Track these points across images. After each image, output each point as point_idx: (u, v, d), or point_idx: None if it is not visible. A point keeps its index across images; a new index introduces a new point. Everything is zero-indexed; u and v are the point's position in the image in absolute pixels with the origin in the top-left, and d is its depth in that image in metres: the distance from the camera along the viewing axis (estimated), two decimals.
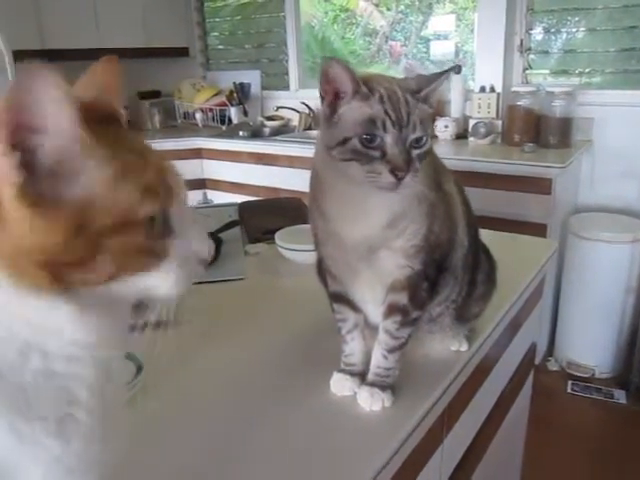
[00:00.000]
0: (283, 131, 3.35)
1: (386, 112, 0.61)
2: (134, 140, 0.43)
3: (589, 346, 2.53)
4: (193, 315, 0.54)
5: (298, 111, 3.39)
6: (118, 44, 3.32)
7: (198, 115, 3.61)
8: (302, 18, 3.59)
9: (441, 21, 3.34)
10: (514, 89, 2.70)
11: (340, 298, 0.79)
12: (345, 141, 0.62)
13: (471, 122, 2.74)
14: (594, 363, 2.51)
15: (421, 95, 0.64)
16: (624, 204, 2.58)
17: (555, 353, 2.64)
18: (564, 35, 2.80)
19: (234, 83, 3.53)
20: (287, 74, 3.61)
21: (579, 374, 2.52)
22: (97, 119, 0.40)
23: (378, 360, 0.76)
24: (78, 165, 0.37)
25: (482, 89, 2.78)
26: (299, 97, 3.45)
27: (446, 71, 0.67)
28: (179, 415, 0.74)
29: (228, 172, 3.23)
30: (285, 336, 0.94)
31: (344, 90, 0.63)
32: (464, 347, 0.86)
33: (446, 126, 2.76)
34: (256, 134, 3.29)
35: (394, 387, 0.76)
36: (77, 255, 0.37)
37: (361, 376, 0.77)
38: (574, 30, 2.77)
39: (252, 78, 3.62)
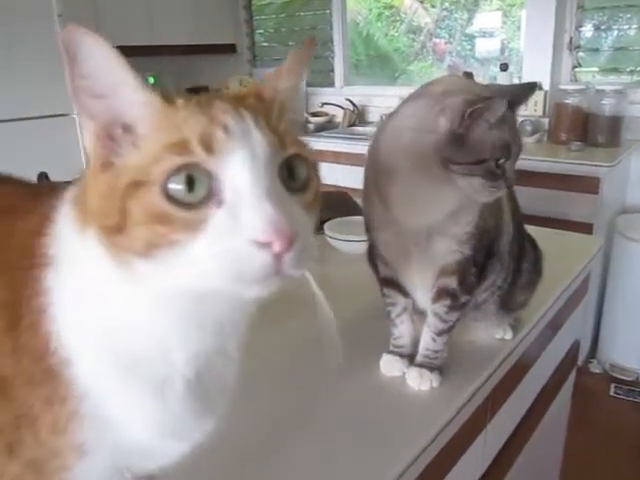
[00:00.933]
0: (328, 127, 3.39)
1: (513, 139, 0.69)
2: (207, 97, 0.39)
3: (633, 349, 2.48)
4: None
5: (343, 107, 3.42)
6: (169, 41, 3.43)
7: None
8: (348, 15, 3.62)
9: (487, 18, 3.31)
10: (562, 87, 2.67)
11: (390, 283, 0.82)
12: (481, 162, 0.67)
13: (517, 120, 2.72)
14: (638, 366, 2.47)
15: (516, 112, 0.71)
16: None
17: (598, 355, 2.60)
18: (615, 32, 2.75)
19: None
20: (332, 71, 3.65)
21: (622, 377, 2.48)
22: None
23: (427, 342, 0.79)
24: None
25: None
26: (344, 94, 3.49)
27: (532, 85, 0.73)
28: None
29: None
30: (337, 319, 0.97)
31: (485, 117, 0.67)
32: (509, 335, 0.89)
33: None
34: (301, 130, 3.34)
35: (442, 369, 0.79)
36: (113, 219, 0.35)
37: (409, 358, 0.81)
38: (626, 27, 2.72)
39: None
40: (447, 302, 0.77)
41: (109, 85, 0.37)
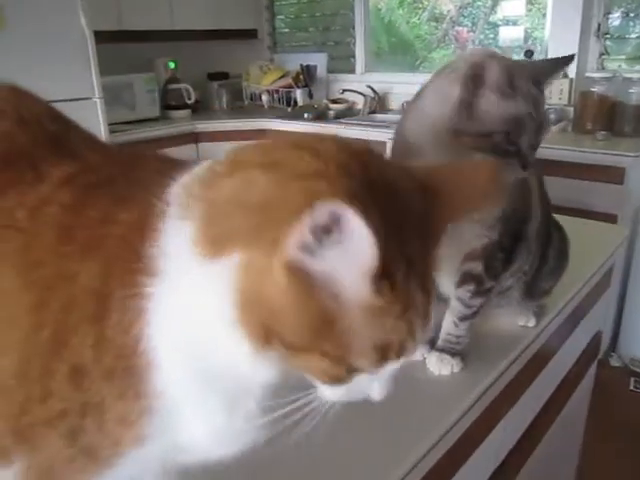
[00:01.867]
0: (348, 114, 3.36)
1: (530, 115, 0.65)
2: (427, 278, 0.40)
3: None
4: None
5: (363, 94, 3.39)
6: (190, 26, 3.43)
7: (264, 97, 3.67)
8: (370, 1, 3.58)
9: (511, 6, 3.25)
10: (588, 75, 2.61)
11: None
12: (489, 134, 0.65)
13: None
14: None
15: (543, 87, 0.67)
16: None
17: (618, 349, 2.56)
18: None
19: (301, 65, 3.57)
20: (353, 57, 3.62)
21: None
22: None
23: (449, 327, 0.78)
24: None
25: None
26: (365, 80, 3.46)
27: (568, 58, 0.70)
28: None
29: None
30: None
31: (492, 86, 0.65)
32: (532, 323, 0.87)
33: None
34: (321, 116, 3.32)
35: (463, 354, 0.78)
36: (294, 341, 0.37)
37: (430, 342, 0.80)
38: None
39: (318, 61, 3.65)
40: (471, 287, 0.75)
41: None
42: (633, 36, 2.72)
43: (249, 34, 3.85)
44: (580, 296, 1.04)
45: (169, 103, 3.49)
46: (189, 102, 3.48)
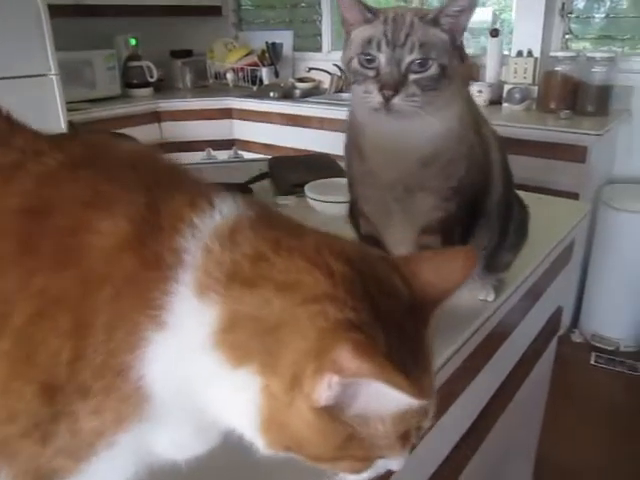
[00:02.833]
0: (314, 93, 3.32)
1: (384, 33, 0.62)
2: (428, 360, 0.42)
3: (615, 319, 2.50)
4: None
5: (330, 73, 3.35)
6: (152, 1, 3.32)
7: (229, 75, 3.60)
8: None
9: None
10: (553, 54, 2.62)
11: (371, 240, 0.79)
12: (349, 61, 0.65)
13: (506, 87, 2.68)
14: (619, 336, 2.49)
15: (430, 18, 0.64)
16: None
17: (580, 325, 2.62)
18: (607, 2, 2.70)
19: (266, 43, 3.51)
20: (320, 35, 3.57)
21: (603, 346, 2.50)
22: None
23: None
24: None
25: (519, 53, 2.71)
26: (331, 59, 3.41)
27: None
28: None
29: (258, 133, 3.23)
30: None
31: (355, 17, 0.66)
32: (491, 297, 0.86)
33: (480, 91, 2.70)
34: (287, 95, 3.27)
35: None
36: (319, 457, 0.39)
37: None
38: None
39: (284, 39, 3.59)
40: None
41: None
42: (597, 17, 2.74)
43: (213, 11, 3.75)
44: (540, 271, 1.04)
45: (130, 81, 3.39)
46: (151, 80, 3.39)
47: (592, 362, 2.43)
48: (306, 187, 1.24)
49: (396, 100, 0.62)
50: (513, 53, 2.74)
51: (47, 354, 0.36)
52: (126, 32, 3.39)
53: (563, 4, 2.68)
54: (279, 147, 3.09)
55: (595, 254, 2.52)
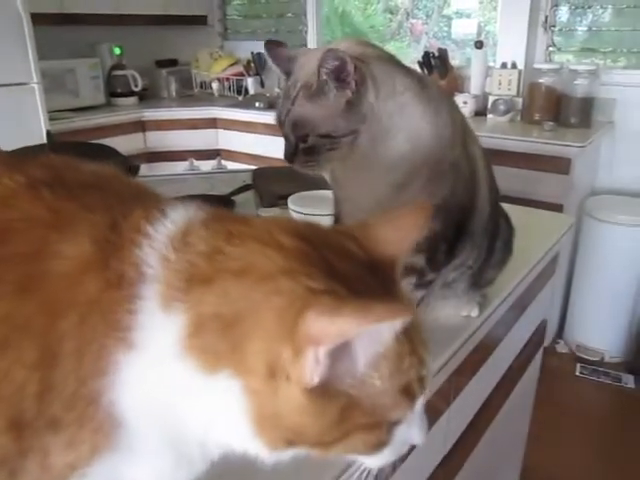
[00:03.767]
0: None
1: (279, 105, 0.68)
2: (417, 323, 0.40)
3: (599, 330, 2.51)
4: None
5: None
6: (136, 10, 3.30)
7: (214, 85, 3.59)
8: None
9: None
10: (536, 66, 2.64)
11: None
12: None
13: (491, 99, 2.69)
14: (604, 347, 2.50)
15: (314, 89, 0.64)
16: None
17: (565, 335, 2.63)
18: (590, 15, 2.73)
19: (252, 53, 3.50)
20: (306, 45, 3.57)
21: (588, 357, 2.51)
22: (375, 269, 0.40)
23: None
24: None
25: (503, 65, 2.73)
26: None
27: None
28: None
29: (243, 143, 3.21)
30: None
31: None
32: (475, 313, 0.85)
33: (465, 102, 2.71)
34: (272, 105, 3.24)
35: None
36: (324, 440, 0.37)
37: None
38: (599, 10, 2.69)
39: None
40: (413, 280, 0.73)
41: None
42: (580, 30, 2.77)
43: (199, 20, 3.75)
44: (524, 284, 1.04)
45: (115, 90, 3.36)
46: (136, 89, 3.37)
47: (577, 373, 2.44)
48: (289, 199, 1.22)
49: (296, 167, 0.67)
50: (498, 65, 2.76)
51: (13, 387, 0.35)
52: (111, 41, 3.37)
53: (546, 17, 2.71)
54: (264, 157, 3.07)
55: (579, 265, 2.53)
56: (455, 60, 3.06)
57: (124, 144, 2.58)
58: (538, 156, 2.25)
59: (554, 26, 2.75)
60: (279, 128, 0.69)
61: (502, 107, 2.64)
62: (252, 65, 3.51)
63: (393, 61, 0.68)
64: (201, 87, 3.71)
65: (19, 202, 0.39)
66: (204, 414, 0.37)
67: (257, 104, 3.22)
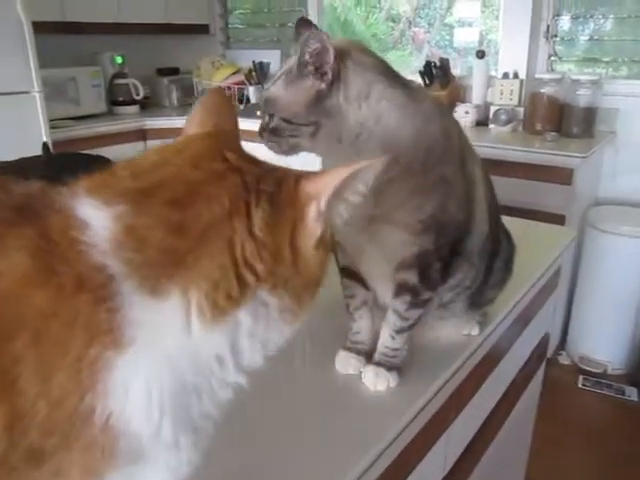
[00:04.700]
0: None
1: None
2: None
3: (602, 341, 2.49)
4: None
5: None
6: (138, 19, 3.30)
7: None
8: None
9: (466, 7, 3.26)
10: (538, 76, 2.64)
11: (350, 273, 0.76)
12: None
13: (492, 109, 2.69)
14: (607, 359, 2.47)
15: (296, 71, 0.65)
16: None
17: (567, 347, 2.60)
18: (592, 24, 2.72)
19: (253, 62, 3.49)
20: None
21: (591, 369, 2.48)
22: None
23: (385, 340, 0.73)
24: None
25: (505, 75, 2.72)
26: None
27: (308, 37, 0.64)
28: None
29: None
30: None
31: None
32: (475, 332, 0.84)
33: (466, 112, 2.71)
34: None
35: (400, 368, 0.74)
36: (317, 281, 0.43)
37: (368, 355, 0.75)
38: (601, 19, 2.69)
39: (272, 57, 3.58)
40: (407, 298, 0.71)
41: None
42: (581, 41, 2.76)
43: (201, 29, 3.75)
44: (526, 300, 1.02)
45: (116, 99, 3.36)
46: (137, 98, 3.37)
47: (579, 385, 2.41)
48: None
49: (263, 142, 0.69)
50: (499, 75, 2.75)
51: None
52: (112, 49, 3.37)
53: (548, 26, 2.70)
54: None
55: (582, 276, 2.51)
56: (457, 69, 3.05)
57: (125, 153, 2.56)
58: (540, 166, 2.24)
59: (556, 35, 2.74)
60: None
61: (504, 117, 2.63)
62: (253, 74, 3.50)
63: (382, 70, 0.67)
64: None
65: None
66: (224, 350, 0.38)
67: (258, 113, 3.20)
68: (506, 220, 0.95)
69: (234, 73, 3.58)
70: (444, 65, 2.88)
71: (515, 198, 2.11)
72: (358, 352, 0.76)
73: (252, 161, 0.43)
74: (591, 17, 2.70)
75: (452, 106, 2.76)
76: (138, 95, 3.35)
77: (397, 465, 0.67)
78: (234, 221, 0.37)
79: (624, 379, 2.44)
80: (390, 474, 0.66)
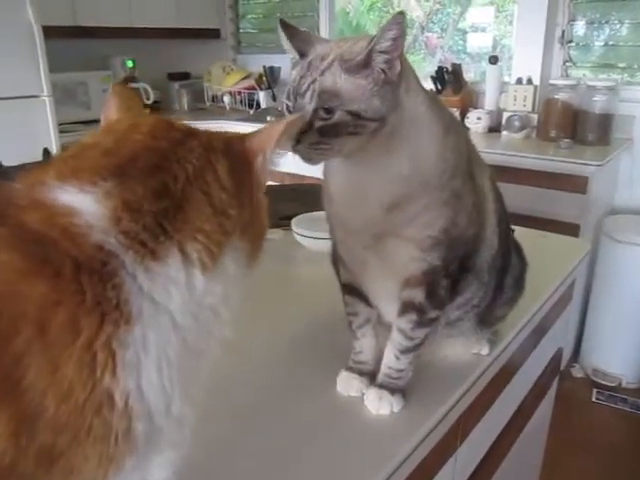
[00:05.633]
0: None
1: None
2: None
3: (617, 354, 2.42)
4: None
5: None
6: (149, 23, 3.30)
7: (226, 98, 3.57)
8: (337, 4, 3.51)
9: (479, 13, 3.22)
10: (552, 82, 2.58)
11: (352, 290, 0.73)
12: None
13: (505, 115, 2.64)
14: (621, 372, 2.41)
15: (360, 59, 0.56)
16: None
17: (580, 360, 2.54)
18: (607, 30, 2.67)
19: (264, 67, 3.48)
20: None
21: (605, 382, 2.42)
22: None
23: (389, 360, 0.69)
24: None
25: (519, 81, 2.67)
26: None
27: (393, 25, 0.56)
28: None
29: None
30: (295, 325, 0.89)
31: (292, 56, 0.64)
32: (485, 351, 0.80)
33: (479, 118, 2.66)
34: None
35: (405, 391, 0.70)
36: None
37: (371, 376, 0.72)
38: (617, 25, 2.63)
39: (282, 62, 3.56)
40: (413, 317, 0.67)
41: None
42: (596, 46, 2.71)
43: (212, 33, 3.74)
44: (539, 316, 0.98)
45: None
46: (148, 102, 3.36)
47: (593, 399, 2.35)
48: (293, 221, 1.18)
49: (299, 148, 0.58)
50: (513, 81, 2.71)
51: None
52: (123, 54, 3.37)
53: (563, 32, 2.65)
54: (274, 172, 3.03)
55: (596, 287, 2.45)
56: (470, 74, 3.01)
57: None
58: (554, 174, 2.18)
59: (571, 41, 2.69)
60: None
61: (517, 123, 2.58)
62: (264, 79, 3.49)
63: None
64: (213, 100, 3.69)
65: None
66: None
67: (268, 118, 3.19)
68: (519, 231, 0.91)
69: (245, 78, 3.57)
70: (456, 71, 2.84)
71: (528, 207, 2.06)
72: (361, 373, 0.72)
73: (196, 129, 0.46)
74: (606, 22, 2.64)
75: (464, 112, 2.72)
76: (149, 99, 3.35)
77: None
78: (206, 176, 0.41)
79: (639, 393, 2.37)
80: None
